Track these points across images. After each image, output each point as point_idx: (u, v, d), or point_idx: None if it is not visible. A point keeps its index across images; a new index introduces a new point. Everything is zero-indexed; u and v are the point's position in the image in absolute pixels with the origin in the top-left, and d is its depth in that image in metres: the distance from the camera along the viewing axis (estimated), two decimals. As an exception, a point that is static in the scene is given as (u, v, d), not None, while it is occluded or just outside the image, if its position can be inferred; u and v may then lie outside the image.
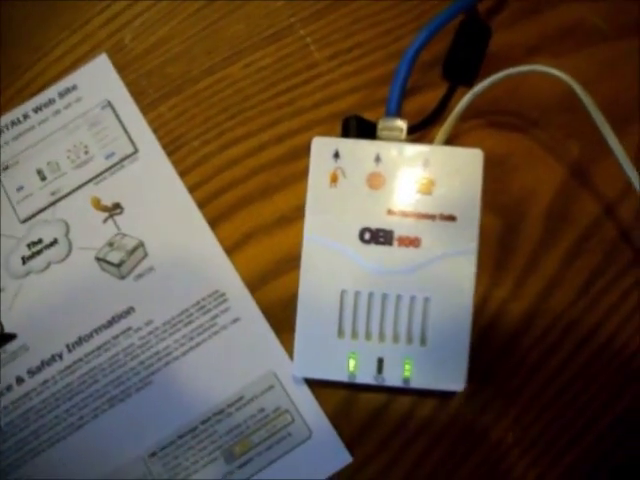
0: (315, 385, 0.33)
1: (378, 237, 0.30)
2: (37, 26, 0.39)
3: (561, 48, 0.37)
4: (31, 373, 0.34)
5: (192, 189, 0.36)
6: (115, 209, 0.36)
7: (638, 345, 0.33)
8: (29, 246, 0.36)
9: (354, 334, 0.30)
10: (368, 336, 0.30)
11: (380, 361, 0.30)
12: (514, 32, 0.37)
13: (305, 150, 0.31)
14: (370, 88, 0.36)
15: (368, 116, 0.32)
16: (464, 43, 0.34)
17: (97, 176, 0.36)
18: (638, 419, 0.32)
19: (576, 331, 0.33)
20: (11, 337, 0.35)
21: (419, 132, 0.33)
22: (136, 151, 0.37)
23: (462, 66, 0.34)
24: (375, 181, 0.30)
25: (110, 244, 0.35)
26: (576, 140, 0.35)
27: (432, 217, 0.30)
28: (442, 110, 0.34)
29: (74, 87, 0.38)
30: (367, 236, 0.30)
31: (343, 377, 0.30)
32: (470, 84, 0.32)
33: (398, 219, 0.30)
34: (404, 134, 0.31)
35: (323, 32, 0.37)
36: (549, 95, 0.35)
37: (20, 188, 0.37)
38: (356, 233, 0.30)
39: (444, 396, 0.33)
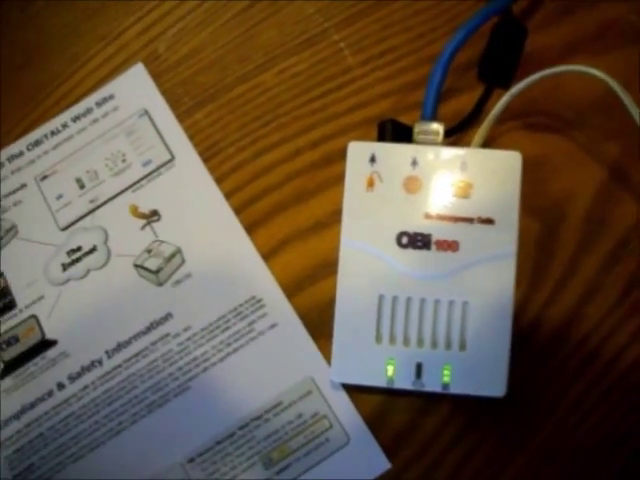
0: (353, 390, 0.33)
1: (416, 241, 0.29)
2: (73, 37, 0.40)
3: (597, 48, 0.36)
4: (71, 379, 0.34)
5: (228, 195, 0.36)
6: (152, 216, 0.36)
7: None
8: (68, 253, 0.36)
9: (392, 339, 0.30)
10: (406, 341, 0.30)
11: (419, 366, 0.29)
12: (550, 33, 0.36)
13: (339, 155, 0.31)
14: (403, 93, 0.36)
15: (402, 120, 0.32)
16: (500, 44, 0.34)
17: (135, 184, 0.37)
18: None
19: (616, 338, 0.33)
20: (52, 343, 0.35)
21: (456, 135, 0.33)
22: (172, 158, 0.37)
23: (498, 67, 0.34)
24: (412, 185, 0.30)
25: (148, 251, 0.36)
26: (615, 141, 0.35)
27: (470, 220, 0.29)
28: (478, 112, 0.33)
29: (111, 96, 0.38)
30: (404, 240, 0.30)
31: (381, 382, 0.30)
32: (506, 86, 0.32)
33: (436, 223, 0.30)
34: (441, 137, 0.31)
35: (356, 37, 0.37)
36: (586, 96, 0.35)
37: (60, 196, 0.37)
38: (393, 237, 0.30)
39: (484, 401, 0.32)
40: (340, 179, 0.30)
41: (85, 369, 0.34)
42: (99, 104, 0.38)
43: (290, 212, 0.35)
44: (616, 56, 0.36)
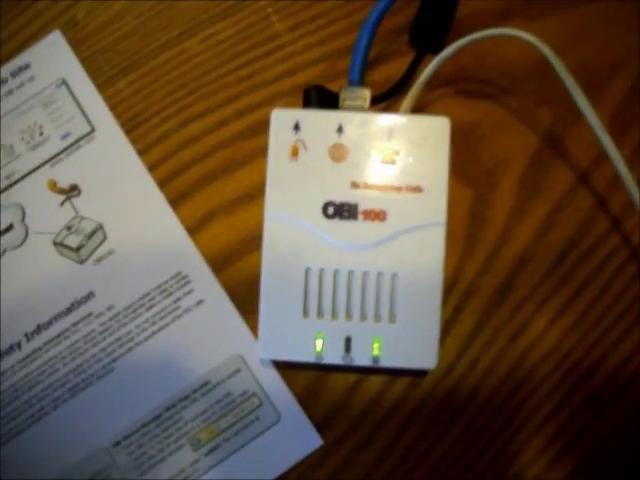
0: (283, 367, 0.32)
1: (342, 211, 0.28)
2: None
3: (531, 13, 0.35)
4: (-11, 364, 0.33)
5: (152, 168, 0.34)
6: (72, 191, 0.34)
7: (615, 318, 0.32)
8: (-17, 232, 0.34)
9: (320, 313, 0.29)
10: (335, 315, 0.29)
11: (348, 340, 0.29)
12: (482, -3, 0.36)
13: (267, 124, 0.29)
14: (333, 59, 0.35)
15: (332, 88, 0.31)
16: (430, 9, 0.33)
17: (53, 158, 0.35)
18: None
19: (552, 304, 0.32)
20: (-34, 327, 0.33)
21: (385, 102, 0.32)
22: (93, 130, 0.35)
23: (429, 33, 0.33)
24: (338, 153, 0.29)
25: (68, 228, 0.34)
26: (548, 107, 0.34)
27: (398, 189, 0.29)
28: (408, 78, 0.32)
29: (27, 66, 0.36)
30: (331, 211, 0.29)
31: (310, 358, 0.29)
32: (438, 51, 0.31)
33: (362, 192, 0.29)
34: (368, 103, 0.30)
35: (284, 2, 0.36)
36: (519, 62, 0.34)
37: (-28, 173, 0.35)
38: (319, 208, 0.29)
39: (416, 375, 0.32)
40: (267, 149, 0.29)
41: (3, 353, 0.33)
42: (14, 74, 0.36)
43: (216, 184, 0.34)
44: (549, 22, 0.35)
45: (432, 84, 0.31)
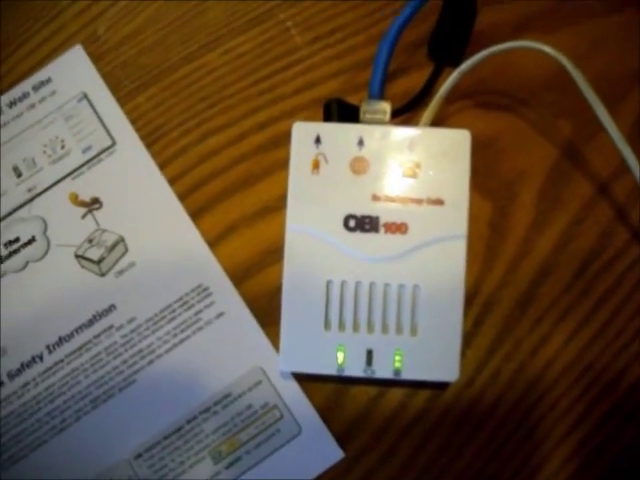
0: (304, 379, 0.32)
1: (363, 224, 0.29)
2: (7, 18, 0.38)
3: (549, 25, 0.36)
4: (11, 376, 0.33)
5: (172, 181, 0.35)
6: (94, 204, 0.35)
7: (636, 330, 0.32)
8: (6, 245, 0.34)
9: (341, 326, 0.29)
10: (356, 327, 0.29)
11: (369, 353, 0.29)
12: (501, 10, 0.36)
13: (286, 137, 0.29)
14: (352, 72, 0.35)
15: (352, 101, 0.31)
16: (449, 22, 0.33)
17: (74, 171, 0.35)
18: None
19: (572, 316, 0.32)
20: (-11, 339, 0.33)
21: (405, 115, 0.32)
22: (114, 144, 0.35)
23: (447, 45, 0.33)
24: (359, 166, 0.29)
25: (89, 240, 0.34)
26: (567, 119, 0.34)
27: (419, 202, 0.29)
28: (428, 91, 0.32)
29: (48, 80, 0.37)
30: (352, 223, 0.29)
31: (332, 370, 0.29)
32: (456, 64, 0.31)
33: (384, 205, 0.29)
34: (388, 117, 0.30)
35: (303, 15, 0.36)
36: (537, 74, 0.34)
37: (-5, 186, 0.36)
38: (340, 221, 0.29)
39: (437, 387, 0.32)
40: (287, 162, 0.29)
41: (25, 365, 0.33)
42: (36, 88, 0.37)
43: (236, 197, 0.34)
44: (567, 33, 0.36)
45: (451, 97, 0.31)
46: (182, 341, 0.33)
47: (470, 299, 0.32)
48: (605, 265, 0.33)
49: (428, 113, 0.31)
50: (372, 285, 0.29)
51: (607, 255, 0.33)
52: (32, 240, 0.34)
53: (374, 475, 0.31)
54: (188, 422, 0.32)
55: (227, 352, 0.32)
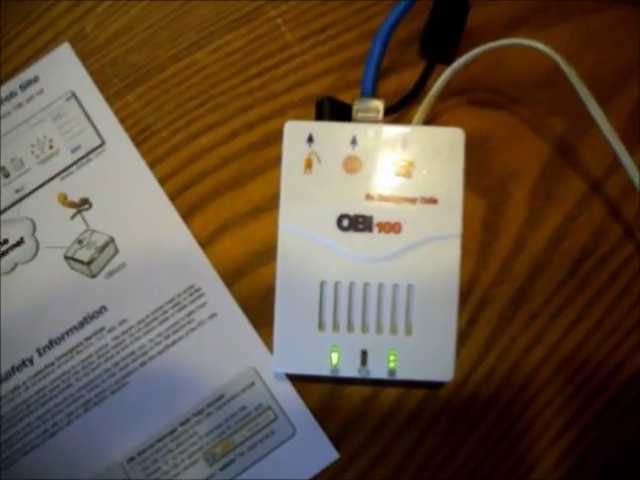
0: (297, 380, 0.32)
1: (357, 224, 0.28)
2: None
3: (541, 22, 0.35)
4: (1, 380, 0.32)
5: (163, 181, 0.34)
6: (83, 205, 0.34)
7: (631, 326, 0.32)
8: (-6, 247, 0.34)
9: (335, 326, 0.29)
10: (350, 328, 0.29)
11: (364, 353, 0.29)
12: (493, 6, 0.35)
13: (278, 136, 0.29)
14: (344, 69, 0.35)
15: (343, 99, 0.31)
16: (441, 19, 0.33)
17: (63, 171, 0.35)
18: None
19: (567, 313, 0.32)
20: (-22, 343, 0.33)
21: (397, 113, 0.32)
22: (103, 143, 0.35)
23: (440, 42, 0.33)
24: (352, 165, 0.29)
25: (79, 241, 0.34)
26: (560, 116, 0.34)
27: (413, 201, 0.28)
28: (420, 89, 0.32)
29: (36, 79, 0.36)
30: (345, 223, 0.28)
31: (326, 371, 0.29)
32: (449, 61, 0.31)
33: (377, 204, 0.28)
34: (381, 115, 0.30)
35: (294, 12, 0.36)
36: (530, 71, 0.34)
37: (-19, 187, 0.35)
38: (334, 220, 0.28)
39: (432, 386, 0.31)
40: (279, 161, 0.29)
41: (15, 369, 0.32)
42: (23, 87, 0.36)
43: (228, 197, 0.34)
44: (560, 30, 0.35)
45: (443, 94, 0.31)
46: (174, 342, 0.32)
47: (464, 297, 0.32)
48: (599, 262, 0.33)
49: (421, 111, 0.30)
50: (366, 285, 0.29)
51: (601, 252, 0.33)
52: (21, 242, 0.34)
53: (369, 475, 0.31)
54: (181, 424, 0.31)
55: (220, 353, 0.32)
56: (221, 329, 0.32)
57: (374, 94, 0.30)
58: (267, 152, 0.34)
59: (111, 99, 0.35)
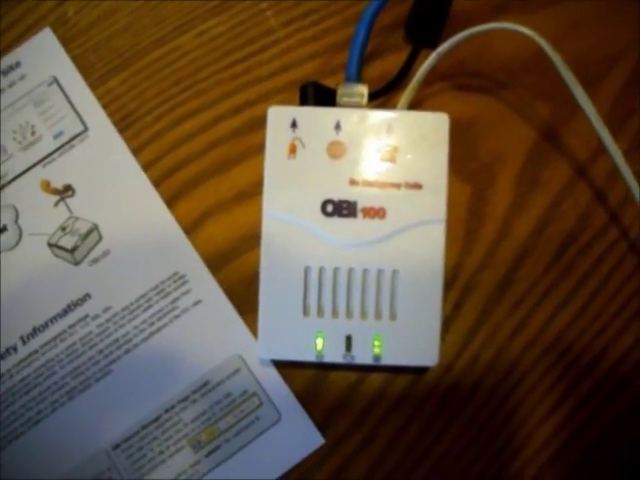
0: (283, 366, 0.32)
1: (341, 209, 0.28)
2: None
3: (527, 7, 0.35)
4: (-16, 368, 0.32)
5: (146, 167, 0.34)
6: (66, 191, 0.34)
7: (615, 311, 0.32)
8: (-24, 234, 0.34)
9: (320, 312, 0.29)
10: (335, 313, 0.29)
11: (348, 339, 0.28)
12: (478, -9, 0.35)
13: (263, 121, 0.29)
14: (329, 54, 0.35)
15: (328, 83, 0.31)
16: (426, 3, 0.33)
17: (45, 157, 0.34)
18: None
19: (552, 298, 0.32)
20: (-39, 331, 0.33)
21: (382, 98, 0.32)
22: (86, 129, 0.34)
23: (425, 27, 0.33)
24: (336, 150, 0.28)
25: (62, 229, 0.33)
26: (545, 101, 0.34)
27: (397, 186, 0.28)
28: (405, 73, 0.32)
29: (17, 64, 0.36)
30: (329, 208, 0.28)
31: (311, 357, 0.29)
32: (434, 46, 0.30)
33: (361, 189, 0.28)
34: (365, 100, 0.29)
35: (279, -4, 0.36)
36: (515, 56, 0.34)
37: (-37, 174, 0.35)
38: (318, 206, 0.28)
39: (417, 372, 0.32)
40: (263, 147, 0.29)
41: (-1, 357, 0.32)
42: (4, 73, 0.35)
43: (212, 182, 0.33)
44: (545, 15, 0.35)
45: (428, 79, 0.30)
46: (159, 330, 0.32)
47: (449, 283, 0.32)
48: (584, 247, 0.33)
49: (406, 96, 0.30)
50: (350, 271, 0.28)
51: (586, 237, 0.33)
52: (3, 229, 0.34)
53: (355, 460, 0.31)
54: (166, 411, 0.31)
55: (205, 340, 0.32)
56: (206, 316, 0.32)
57: (358, 79, 0.30)
58: (251, 137, 0.34)
59: (94, 84, 0.35)
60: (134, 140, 0.34)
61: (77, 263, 0.33)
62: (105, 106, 0.35)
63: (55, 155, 0.34)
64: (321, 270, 0.28)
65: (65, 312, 0.33)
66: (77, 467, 0.31)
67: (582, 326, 0.32)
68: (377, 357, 0.29)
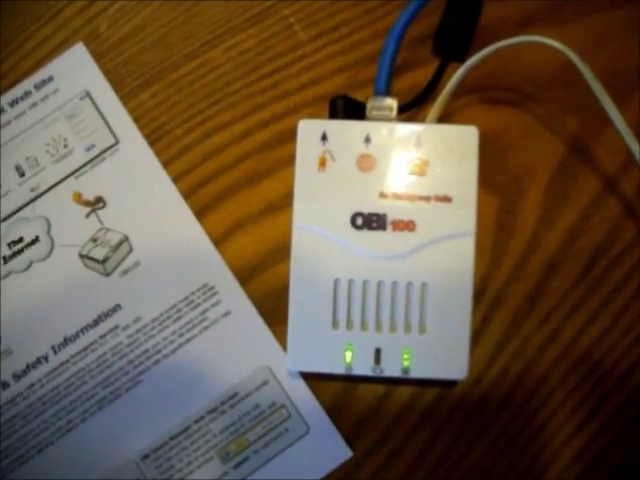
0: (311, 378, 0.32)
1: (371, 222, 0.28)
2: (8, 17, 0.37)
3: (555, 19, 0.35)
4: (16, 377, 0.33)
5: (176, 179, 0.34)
6: (97, 203, 0.34)
7: (644, 325, 0.32)
8: (9, 245, 0.34)
9: (349, 324, 0.29)
10: (364, 326, 0.29)
11: (377, 351, 0.28)
12: (506, 4, 0.35)
13: (292, 134, 0.29)
14: (357, 68, 0.35)
15: (357, 97, 0.31)
16: (454, 16, 0.33)
17: (77, 170, 0.35)
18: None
19: (581, 312, 0.32)
20: (-6, 340, 0.33)
21: (411, 111, 0.32)
22: (117, 142, 0.35)
23: (453, 40, 0.33)
24: (365, 163, 0.29)
25: (94, 240, 0.34)
26: (574, 114, 0.34)
27: (427, 199, 0.28)
28: (434, 87, 0.32)
29: (50, 78, 0.36)
30: (359, 221, 0.28)
31: (340, 369, 0.29)
32: (462, 59, 0.31)
33: (391, 202, 0.28)
34: (394, 113, 0.30)
35: (307, 11, 0.36)
36: (544, 68, 0.34)
37: (-2, 185, 0.35)
38: (347, 219, 0.28)
39: (445, 385, 0.31)
40: (292, 160, 0.29)
41: (30, 366, 0.33)
42: (38, 87, 0.36)
43: (241, 195, 0.34)
44: (574, 27, 0.35)
45: (457, 92, 0.31)
46: (188, 341, 0.32)
47: (478, 296, 0.32)
48: (614, 260, 0.32)
49: (435, 109, 0.30)
50: (380, 283, 0.28)
51: (615, 250, 0.33)
52: (36, 240, 0.34)
53: (382, 474, 0.31)
54: (195, 422, 0.31)
55: (234, 351, 0.32)
56: (235, 327, 0.32)
57: (388, 92, 0.30)
58: (281, 150, 0.34)
59: (125, 98, 0.36)
60: (164, 153, 0.35)
61: (108, 274, 0.33)
62: (136, 119, 0.35)
63: (87, 167, 0.35)
64: (350, 283, 0.29)
65: (96, 322, 0.33)
66: (106, 477, 0.31)
67: (612, 341, 0.32)
68: (406, 370, 0.28)
